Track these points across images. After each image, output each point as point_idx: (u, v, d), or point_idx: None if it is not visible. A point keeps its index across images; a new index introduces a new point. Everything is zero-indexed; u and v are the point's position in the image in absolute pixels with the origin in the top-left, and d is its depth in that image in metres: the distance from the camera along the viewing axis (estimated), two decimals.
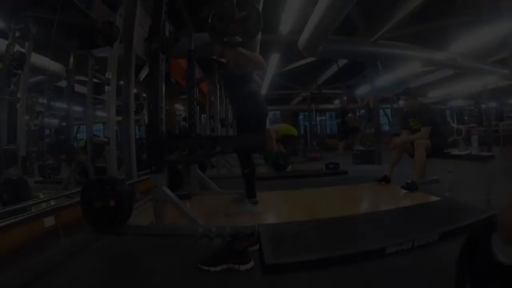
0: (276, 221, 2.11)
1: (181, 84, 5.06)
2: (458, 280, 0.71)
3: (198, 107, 3.71)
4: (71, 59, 3.48)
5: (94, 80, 3.30)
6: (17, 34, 2.79)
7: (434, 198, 2.49)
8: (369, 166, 5.72)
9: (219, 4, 1.90)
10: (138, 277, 1.38)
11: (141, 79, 5.20)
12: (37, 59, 3.16)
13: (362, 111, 8.64)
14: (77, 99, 3.76)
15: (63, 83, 3.67)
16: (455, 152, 3.06)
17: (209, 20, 1.92)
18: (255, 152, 2.38)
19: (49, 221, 2.00)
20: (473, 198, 2.56)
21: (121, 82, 3.20)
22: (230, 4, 1.83)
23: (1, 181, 2.46)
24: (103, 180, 1.90)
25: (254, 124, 2.31)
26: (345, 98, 7.88)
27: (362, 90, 8.64)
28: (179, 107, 8.60)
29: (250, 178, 2.35)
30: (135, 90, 3.41)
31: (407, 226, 1.80)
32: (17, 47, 2.80)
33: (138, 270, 1.45)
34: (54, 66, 3.85)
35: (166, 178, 2.25)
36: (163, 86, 2.02)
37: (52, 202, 2.17)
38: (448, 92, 11.98)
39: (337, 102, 13.61)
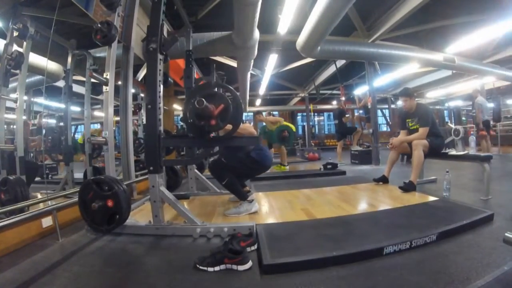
0: (274, 221, 2.11)
1: (179, 84, 5.07)
2: None
3: None
4: (69, 59, 3.48)
5: (92, 80, 3.30)
6: (15, 33, 2.78)
7: (432, 198, 2.50)
8: (367, 167, 5.73)
9: (193, 108, 1.75)
10: (136, 277, 1.38)
11: (139, 79, 5.20)
12: (35, 59, 3.15)
13: (360, 111, 8.65)
14: (75, 99, 3.75)
15: (61, 83, 3.66)
16: (453, 152, 3.07)
17: (191, 122, 1.82)
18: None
19: (47, 222, 1.99)
20: (471, 198, 2.57)
21: (119, 82, 3.20)
22: (204, 106, 1.68)
23: None
24: (101, 180, 1.90)
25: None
26: (342, 98, 7.88)
27: (360, 91, 8.65)
28: (177, 107, 8.59)
29: (231, 187, 2.40)
30: (133, 90, 3.40)
31: (405, 226, 1.81)
32: (15, 47, 2.79)
33: (136, 271, 1.44)
34: (52, 66, 3.83)
35: (164, 179, 2.24)
36: (161, 86, 2.02)
37: (50, 203, 2.16)
38: (446, 93, 12.03)
39: (335, 102, 13.65)
